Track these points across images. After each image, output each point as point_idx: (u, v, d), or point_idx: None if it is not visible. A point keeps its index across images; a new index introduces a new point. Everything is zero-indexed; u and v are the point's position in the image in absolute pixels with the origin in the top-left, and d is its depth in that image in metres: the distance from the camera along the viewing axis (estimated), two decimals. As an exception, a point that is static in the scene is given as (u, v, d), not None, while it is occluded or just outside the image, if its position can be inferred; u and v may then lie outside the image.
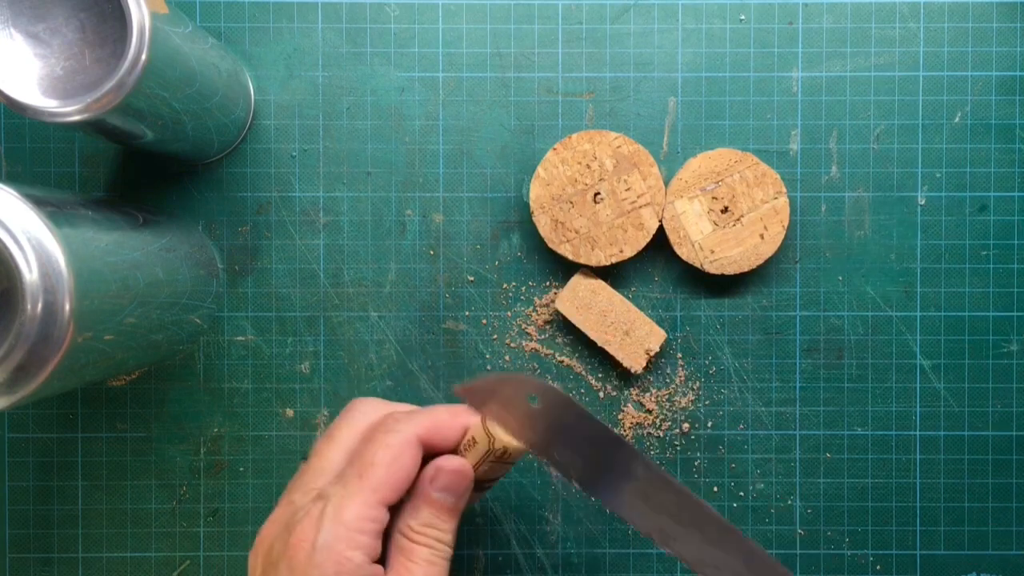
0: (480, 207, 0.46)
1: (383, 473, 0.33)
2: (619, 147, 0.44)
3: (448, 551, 0.35)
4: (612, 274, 0.46)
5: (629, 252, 0.44)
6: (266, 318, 0.46)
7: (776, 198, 0.44)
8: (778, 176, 0.44)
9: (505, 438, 0.34)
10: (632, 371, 0.45)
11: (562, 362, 0.46)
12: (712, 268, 0.44)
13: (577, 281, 0.45)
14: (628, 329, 0.45)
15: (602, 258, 0.44)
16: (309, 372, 0.46)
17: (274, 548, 0.33)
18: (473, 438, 0.34)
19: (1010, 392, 0.46)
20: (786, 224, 0.44)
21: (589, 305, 0.44)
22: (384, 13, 0.46)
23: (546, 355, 0.46)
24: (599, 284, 0.45)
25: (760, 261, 0.44)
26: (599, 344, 0.45)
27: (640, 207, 0.44)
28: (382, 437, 0.34)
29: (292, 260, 0.46)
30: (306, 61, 0.46)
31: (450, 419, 0.35)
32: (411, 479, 0.34)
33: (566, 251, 0.44)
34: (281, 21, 0.46)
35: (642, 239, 0.44)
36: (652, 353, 0.45)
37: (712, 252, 0.44)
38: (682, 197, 0.44)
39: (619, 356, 0.45)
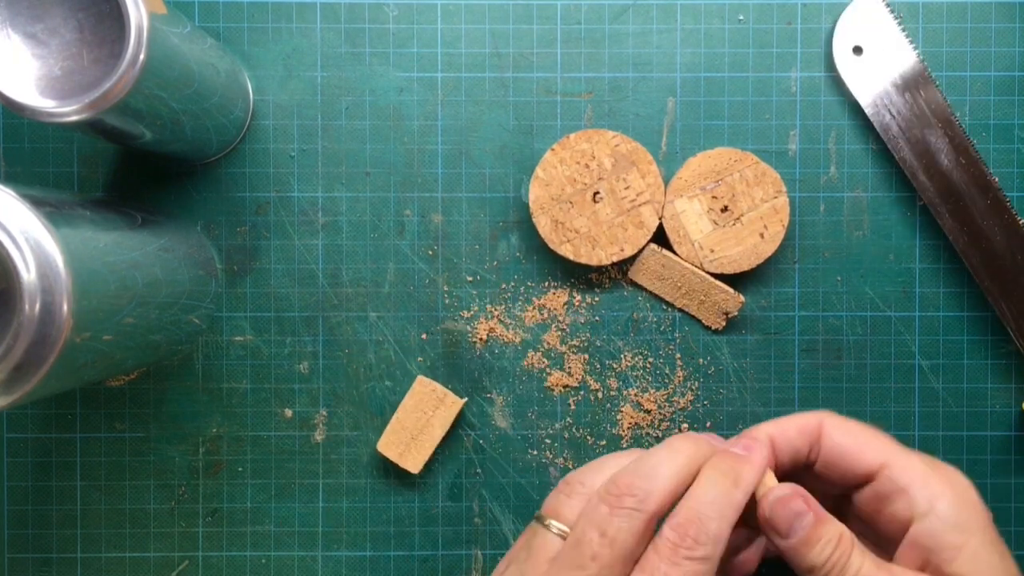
0: (479, 207, 0.46)
1: None
2: (617, 146, 0.44)
3: None
4: (613, 277, 0.46)
5: (630, 251, 0.44)
6: (265, 318, 0.46)
7: (776, 197, 0.44)
8: (778, 175, 0.44)
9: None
10: (712, 328, 0.46)
11: (563, 361, 0.46)
12: (712, 267, 0.44)
13: (647, 256, 0.45)
14: (703, 298, 0.45)
15: (603, 257, 0.44)
16: (308, 372, 0.46)
17: None
18: None
19: (1009, 392, 0.46)
20: (786, 223, 0.44)
21: (662, 276, 0.45)
22: (383, 13, 0.46)
23: (546, 353, 0.46)
24: (669, 259, 0.45)
25: (760, 260, 0.44)
26: (678, 306, 0.46)
27: (640, 205, 0.44)
28: (693, 565, 0.31)
29: (291, 260, 0.46)
30: (305, 61, 0.46)
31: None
32: None
33: (567, 251, 0.44)
34: (280, 21, 0.46)
35: (642, 237, 0.44)
36: (731, 315, 0.45)
37: (712, 251, 0.44)
38: (682, 196, 0.44)
39: (699, 316, 0.46)
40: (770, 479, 0.34)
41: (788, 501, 0.34)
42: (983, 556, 0.33)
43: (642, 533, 0.32)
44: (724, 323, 0.46)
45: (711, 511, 0.32)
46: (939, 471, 0.34)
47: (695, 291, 0.45)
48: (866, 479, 0.35)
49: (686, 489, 0.33)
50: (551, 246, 0.44)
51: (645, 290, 0.46)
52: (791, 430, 0.36)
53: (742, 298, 0.45)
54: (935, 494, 0.33)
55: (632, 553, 0.32)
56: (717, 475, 0.33)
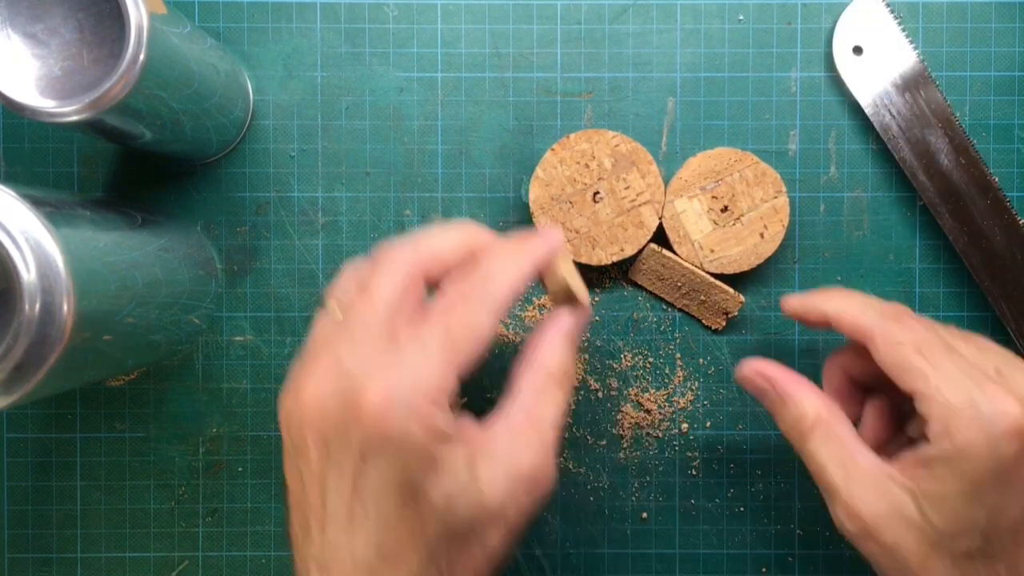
0: (479, 207, 0.46)
1: (470, 350, 0.32)
2: (617, 146, 0.44)
3: None
4: (613, 277, 0.46)
5: (630, 251, 0.44)
6: (265, 318, 0.46)
7: (776, 197, 0.44)
8: (778, 175, 0.44)
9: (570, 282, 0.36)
10: (713, 328, 0.46)
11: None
12: (712, 267, 0.44)
13: (647, 256, 0.45)
14: (703, 299, 0.45)
15: (603, 257, 0.44)
16: (308, 372, 0.46)
17: (330, 409, 0.31)
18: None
19: (1009, 392, 0.46)
20: (786, 223, 0.44)
21: (662, 276, 0.45)
22: (383, 13, 0.46)
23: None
24: (669, 259, 0.44)
25: (760, 260, 0.44)
26: (678, 306, 0.46)
27: (640, 205, 0.44)
28: (469, 311, 0.32)
29: (291, 260, 0.46)
30: (305, 61, 0.46)
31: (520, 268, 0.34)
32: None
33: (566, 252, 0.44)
34: (280, 21, 0.46)
35: (643, 237, 0.44)
36: (731, 315, 0.45)
37: (712, 251, 0.44)
38: (682, 196, 0.44)
39: (699, 316, 0.46)
40: (565, 262, 0.36)
41: (749, 380, 0.39)
42: (951, 504, 0.33)
43: (402, 286, 0.32)
44: (724, 323, 0.46)
45: (494, 271, 0.33)
46: (977, 410, 0.33)
47: (695, 291, 0.45)
48: None
49: (456, 261, 0.34)
50: None
51: (645, 290, 0.46)
52: (847, 325, 0.38)
53: (742, 298, 0.45)
54: (949, 432, 0.33)
55: (392, 306, 0.32)
56: (506, 245, 0.34)
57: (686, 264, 0.44)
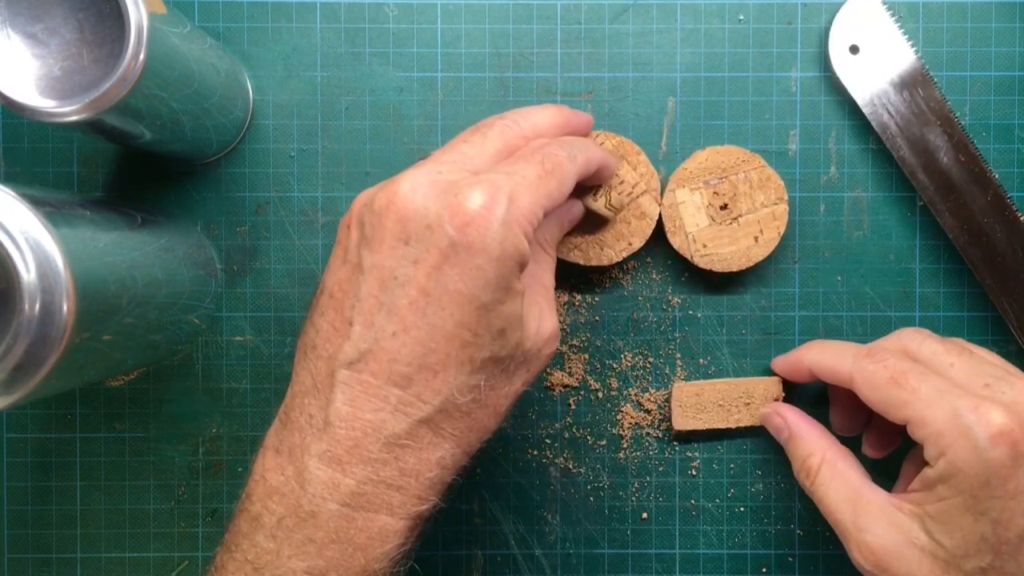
0: (479, 207, 0.46)
1: (557, 188, 0.34)
2: (602, 144, 0.44)
3: None
4: (613, 277, 0.46)
5: (638, 243, 0.44)
6: (264, 318, 0.46)
7: (776, 204, 0.44)
8: (782, 183, 0.44)
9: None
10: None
11: (563, 361, 0.46)
12: (702, 262, 0.44)
13: (677, 396, 0.45)
14: (748, 400, 0.45)
15: (613, 255, 0.44)
16: (308, 372, 0.46)
17: (426, 205, 0.31)
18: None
19: (1009, 392, 0.46)
20: (782, 231, 0.44)
21: (702, 406, 0.45)
22: (383, 13, 0.46)
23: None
24: (696, 386, 0.45)
25: (750, 263, 0.44)
26: (734, 427, 0.45)
27: (637, 196, 0.44)
28: (558, 152, 0.34)
29: (291, 260, 0.46)
30: (304, 61, 0.46)
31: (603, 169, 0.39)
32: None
33: (577, 257, 0.44)
34: (280, 21, 0.46)
35: (647, 227, 0.44)
36: (780, 399, 0.45)
37: (704, 246, 0.44)
38: (684, 187, 0.44)
39: (753, 423, 0.45)
40: (627, 172, 0.43)
41: (768, 417, 0.43)
42: (957, 521, 0.34)
43: (509, 141, 0.35)
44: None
45: (576, 140, 0.37)
46: (960, 423, 0.34)
47: (737, 401, 0.45)
48: None
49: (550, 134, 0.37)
50: (560, 256, 0.44)
51: (697, 434, 0.46)
52: (827, 374, 0.40)
53: (780, 381, 0.45)
54: (942, 451, 0.34)
55: (496, 153, 0.34)
56: (584, 138, 0.39)
57: (715, 381, 0.45)
